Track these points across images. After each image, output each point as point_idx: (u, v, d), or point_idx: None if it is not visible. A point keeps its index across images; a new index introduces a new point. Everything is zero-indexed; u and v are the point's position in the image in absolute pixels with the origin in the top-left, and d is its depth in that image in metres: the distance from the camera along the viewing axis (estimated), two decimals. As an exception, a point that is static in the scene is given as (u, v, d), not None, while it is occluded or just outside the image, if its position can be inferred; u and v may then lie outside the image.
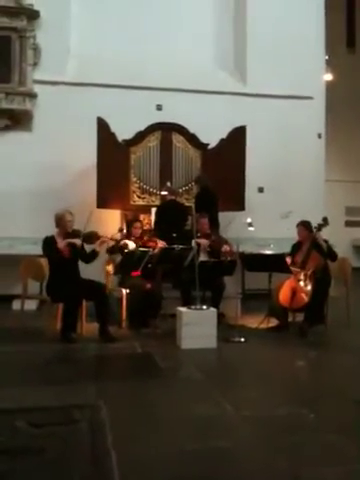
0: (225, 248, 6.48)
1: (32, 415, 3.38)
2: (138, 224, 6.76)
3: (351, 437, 3.16)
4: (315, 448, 3.01)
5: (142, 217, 7.68)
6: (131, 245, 6.39)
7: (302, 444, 3.04)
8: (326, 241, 6.27)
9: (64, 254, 5.74)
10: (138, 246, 6.41)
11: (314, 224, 6.36)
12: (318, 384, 4.39)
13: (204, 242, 6.59)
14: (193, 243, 6.11)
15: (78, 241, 5.80)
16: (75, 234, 5.84)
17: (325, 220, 6.28)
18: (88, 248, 6.02)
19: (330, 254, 6.26)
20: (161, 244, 6.45)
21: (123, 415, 3.48)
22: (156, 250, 6.31)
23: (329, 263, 6.34)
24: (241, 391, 4.14)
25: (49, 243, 5.81)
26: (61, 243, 5.75)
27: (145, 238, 6.47)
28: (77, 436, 3.09)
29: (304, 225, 6.44)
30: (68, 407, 3.54)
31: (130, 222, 6.87)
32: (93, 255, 5.97)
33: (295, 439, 3.10)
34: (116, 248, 6.34)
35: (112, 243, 6.31)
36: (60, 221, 5.87)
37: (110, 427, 3.22)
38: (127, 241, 6.40)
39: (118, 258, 6.43)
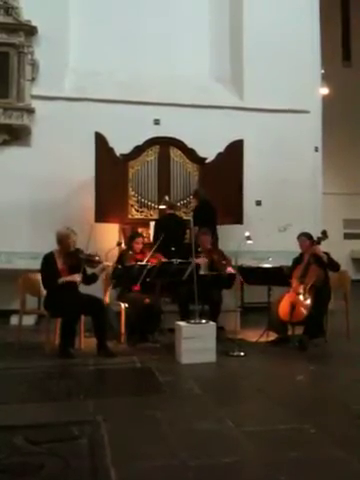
0: (229, 270, 6.40)
1: (31, 432, 3.34)
2: (140, 239, 6.67)
3: (353, 451, 3.13)
4: (317, 463, 2.98)
5: (140, 231, 7.67)
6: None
7: (304, 459, 3.01)
8: (327, 253, 6.28)
9: (63, 274, 5.71)
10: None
11: (314, 237, 6.37)
12: (319, 398, 4.35)
13: (202, 261, 6.53)
14: (192, 262, 6.07)
15: (78, 277, 5.72)
16: (76, 254, 5.79)
17: (324, 233, 6.29)
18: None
19: (332, 265, 6.26)
20: (164, 260, 6.39)
21: (123, 431, 3.44)
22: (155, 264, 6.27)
23: (329, 276, 6.34)
24: (242, 406, 4.12)
25: (48, 263, 5.76)
26: (60, 280, 5.65)
27: (148, 255, 6.40)
28: (76, 453, 3.05)
29: (306, 236, 6.45)
30: (67, 423, 3.50)
31: (131, 237, 6.80)
32: (93, 279, 5.95)
33: (297, 454, 3.07)
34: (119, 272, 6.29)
35: (111, 267, 6.26)
36: (63, 241, 5.81)
37: (110, 443, 3.18)
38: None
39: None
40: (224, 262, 6.48)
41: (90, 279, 5.93)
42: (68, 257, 5.80)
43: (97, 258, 5.89)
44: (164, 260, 6.37)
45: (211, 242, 6.86)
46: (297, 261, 6.46)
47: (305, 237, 6.46)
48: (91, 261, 5.85)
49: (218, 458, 3.02)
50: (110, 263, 6.14)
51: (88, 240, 5.81)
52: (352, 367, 5.30)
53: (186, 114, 8.74)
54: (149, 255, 6.32)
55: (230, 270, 6.38)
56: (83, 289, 5.94)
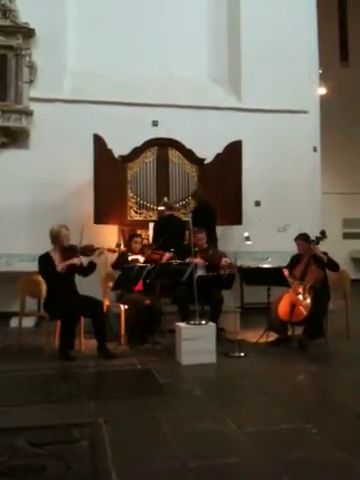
0: (225, 261, 6.41)
1: (32, 434, 3.34)
2: (138, 239, 6.71)
3: (354, 452, 3.13)
4: (318, 464, 2.98)
5: (139, 232, 7.66)
6: (141, 260, 6.40)
7: (305, 460, 3.01)
8: (325, 253, 6.28)
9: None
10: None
11: (312, 237, 6.37)
12: (320, 398, 4.36)
13: (199, 262, 6.53)
14: (188, 261, 6.10)
15: (77, 260, 5.78)
16: (71, 249, 5.82)
17: (323, 233, 6.30)
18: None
19: (331, 265, 6.27)
20: (168, 255, 6.42)
21: (124, 433, 3.44)
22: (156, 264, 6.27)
23: (329, 275, 6.34)
24: (242, 406, 4.12)
25: (45, 261, 5.78)
26: (60, 265, 5.72)
27: (148, 252, 6.43)
28: (77, 455, 3.05)
29: (303, 238, 6.45)
30: (68, 425, 3.50)
31: (130, 237, 6.84)
32: (91, 268, 5.95)
33: (298, 455, 3.07)
34: (121, 263, 6.32)
35: (108, 253, 6.29)
36: (56, 237, 5.85)
37: (111, 445, 3.18)
38: (136, 256, 6.39)
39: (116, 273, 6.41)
40: (226, 259, 6.44)
41: (88, 269, 5.94)
42: (64, 253, 5.81)
43: (91, 246, 5.92)
44: (169, 256, 6.38)
45: (206, 240, 6.83)
46: (295, 259, 6.46)
47: (302, 240, 6.45)
48: (87, 250, 5.87)
49: (219, 459, 3.02)
50: (106, 248, 6.15)
51: (81, 238, 5.83)
52: (352, 367, 5.30)
53: (184, 115, 8.73)
54: (149, 252, 6.34)
55: (226, 261, 6.35)
56: (83, 291, 5.94)
